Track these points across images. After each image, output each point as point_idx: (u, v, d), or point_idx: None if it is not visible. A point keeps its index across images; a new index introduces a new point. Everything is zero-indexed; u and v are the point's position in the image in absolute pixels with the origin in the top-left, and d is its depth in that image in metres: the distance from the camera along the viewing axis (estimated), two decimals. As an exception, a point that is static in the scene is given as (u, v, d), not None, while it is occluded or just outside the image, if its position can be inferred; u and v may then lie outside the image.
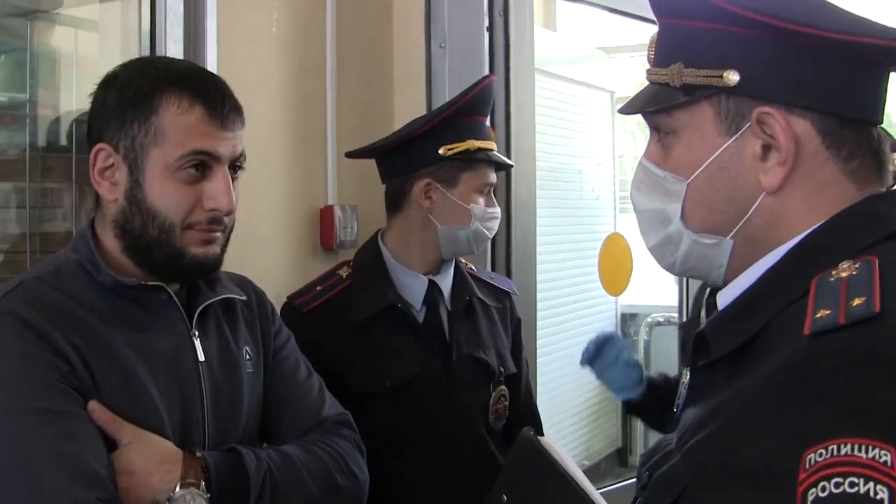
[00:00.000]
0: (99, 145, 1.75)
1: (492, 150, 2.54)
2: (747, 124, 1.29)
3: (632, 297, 4.71)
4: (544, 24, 4.79)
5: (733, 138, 1.30)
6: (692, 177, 1.34)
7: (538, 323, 3.75)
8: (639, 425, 5.24)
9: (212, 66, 2.73)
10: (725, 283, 1.38)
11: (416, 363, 2.48)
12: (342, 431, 2.01)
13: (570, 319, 4.72)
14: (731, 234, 1.33)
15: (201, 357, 1.83)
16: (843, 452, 0.98)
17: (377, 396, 2.41)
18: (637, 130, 6.13)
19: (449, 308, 2.58)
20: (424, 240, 2.55)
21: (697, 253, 1.37)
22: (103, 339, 1.70)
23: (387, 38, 3.51)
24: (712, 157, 1.32)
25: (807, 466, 0.99)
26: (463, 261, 2.72)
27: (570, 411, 4.79)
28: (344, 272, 2.61)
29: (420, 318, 2.53)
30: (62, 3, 2.68)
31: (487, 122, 2.59)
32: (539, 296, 3.79)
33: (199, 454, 1.73)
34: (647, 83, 1.42)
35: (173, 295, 1.81)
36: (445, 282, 2.59)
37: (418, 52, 3.44)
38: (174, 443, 1.73)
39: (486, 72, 3.36)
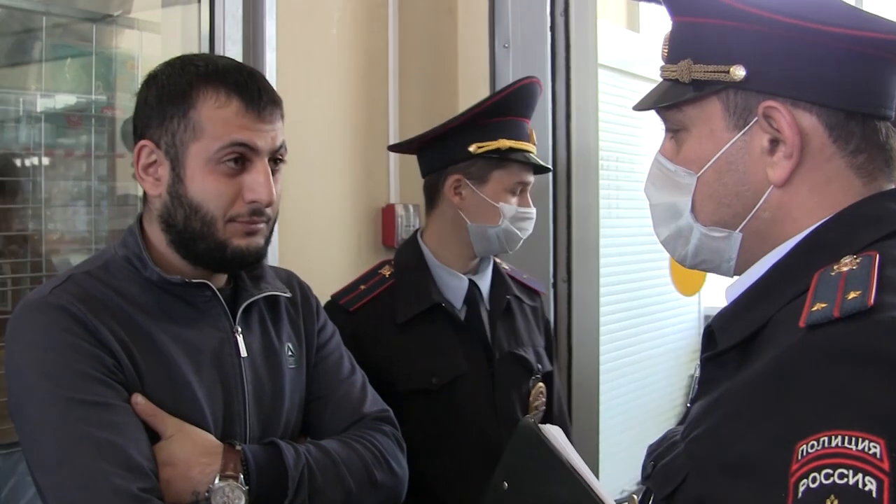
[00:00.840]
0: (142, 142, 1.78)
1: (528, 151, 2.53)
2: (754, 119, 1.30)
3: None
4: (627, 26, 4.76)
5: (741, 132, 1.31)
6: (702, 171, 1.35)
7: (602, 328, 3.71)
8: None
9: (270, 66, 2.79)
10: (736, 276, 1.39)
11: (461, 360, 2.49)
12: (383, 427, 2.02)
13: (644, 323, 4.66)
14: (739, 228, 1.34)
15: (244, 353, 1.85)
16: (833, 444, 0.98)
17: (424, 394, 2.43)
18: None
19: (488, 307, 2.59)
20: (458, 237, 2.56)
21: (707, 246, 1.39)
22: (148, 333, 1.73)
23: (451, 38, 3.53)
24: (721, 152, 1.33)
25: (799, 457, 1.00)
26: (498, 259, 2.73)
27: (650, 418, 4.73)
28: (386, 271, 2.62)
29: (462, 316, 2.55)
30: (131, 8, 2.74)
31: (528, 124, 2.57)
32: (606, 299, 3.77)
33: (238, 447, 1.75)
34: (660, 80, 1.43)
35: (217, 292, 1.84)
36: (484, 281, 2.61)
37: (482, 53, 3.46)
38: (216, 437, 1.76)
39: (549, 71, 3.38)
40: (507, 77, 3.37)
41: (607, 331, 3.90)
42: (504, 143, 2.49)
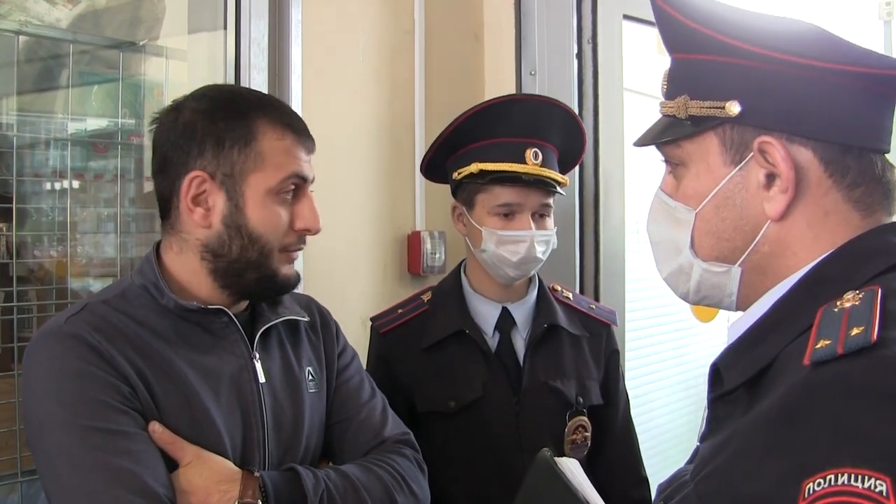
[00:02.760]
0: (194, 173, 1.78)
1: (520, 172, 2.46)
2: (750, 154, 1.32)
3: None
4: (658, 50, 4.78)
5: (738, 167, 1.33)
6: (700, 206, 1.38)
7: (628, 354, 3.69)
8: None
9: (296, 94, 2.80)
10: (738, 311, 1.41)
11: (479, 386, 2.47)
12: (403, 450, 2.02)
13: (669, 349, 4.63)
14: (739, 262, 1.36)
15: (261, 378, 1.86)
16: (840, 482, 0.99)
17: (442, 417, 2.43)
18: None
19: (525, 336, 2.56)
20: (477, 264, 2.57)
21: (708, 281, 1.40)
22: (166, 360, 1.74)
23: (477, 65, 3.54)
24: (719, 187, 1.35)
25: (806, 495, 1.01)
26: (558, 287, 2.71)
27: (676, 444, 4.70)
28: (426, 297, 2.65)
29: (493, 343, 2.53)
30: (159, 35, 2.76)
31: (525, 146, 2.49)
32: (631, 325, 3.75)
33: (257, 473, 1.76)
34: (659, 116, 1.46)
35: (234, 317, 1.84)
36: (520, 309, 2.58)
37: (509, 80, 3.46)
38: (235, 463, 1.76)
39: (576, 98, 3.38)
40: (535, 105, 3.36)
41: (633, 357, 3.89)
42: (476, 167, 2.47)
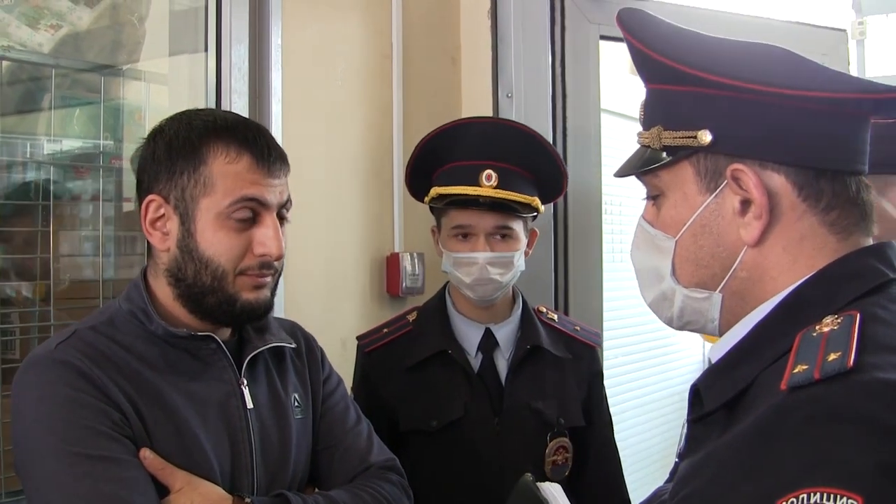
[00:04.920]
0: (150, 197, 1.79)
1: (476, 195, 2.48)
2: (724, 181, 1.34)
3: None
4: (630, 71, 4.81)
5: (713, 195, 1.35)
6: (679, 234, 1.40)
7: (606, 372, 3.71)
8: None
9: (276, 118, 2.82)
10: (721, 336, 1.42)
11: (461, 406, 2.50)
12: (389, 476, 2.03)
13: (647, 367, 4.66)
14: (719, 288, 1.38)
15: (249, 405, 1.86)
16: (812, 501, 1.00)
17: (424, 436, 2.46)
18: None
19: (508, 357, 2.59)
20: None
21: (690, 307, 1.42)
22: (154, 387, 1.74)
23: (455, 88, 3.56)
24: (695, 214, 1.37)
25: None
26: (543, 309, 2.74)
27: (656, 460, 4.72)
28: (412, 317, 2.68)
29: (475, 364, 2.56)
30: (139, 58, 2.77)
31: (482, 168, 2.50)
32: (609, 343, 3.77)
33: (247, 500, 1.76)
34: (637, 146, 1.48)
35: (222, 344, 1.85)
36: (503, 330, 2.61)
37: (486, 102, 3.49)
38: (224, 489, 1.76)
39: (550, 119, 3.44)
40: (511, 126, 3.39)
41: (612, 374, 3.91)
42: (436, 191, 2.54)
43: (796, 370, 1.14)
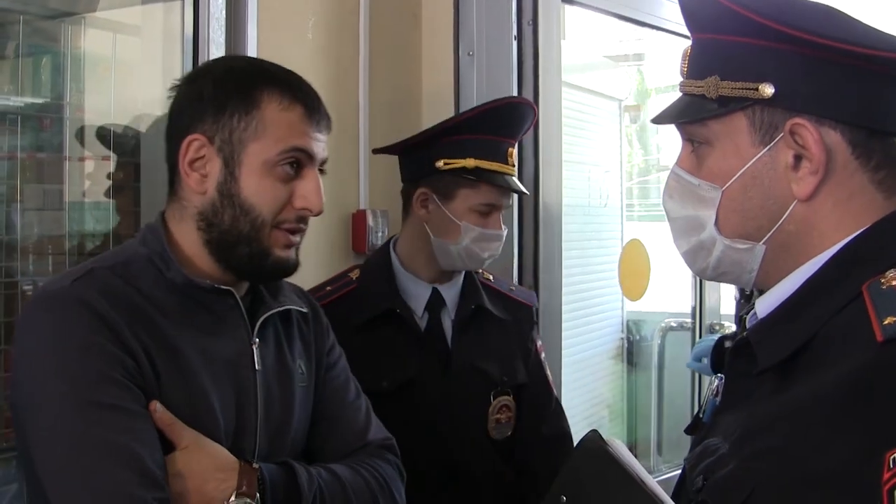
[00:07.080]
0: (192, 136, 1.73)
1: (501, 172, 2.53)
2: (780, 135, 1.34)
3: (637, 304, 4.73)
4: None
5: (767, 148, 1.36)
6: (727, 185, 1.39)
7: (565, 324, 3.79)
8: (645, 430, 5.24)
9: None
10: (756, 287, 1.44)
11: (412, 367, 2.51)
12: (387, 456, 2.01)
13: (578, 326, 4.73)
14: (763, 240, 1.38)
15: (258, 366, 1.82)
16: None
17: (375, 396, 2.41)
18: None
19: (453, 317, 2.61)
20: (424, 249, 2.60)
21: (729, 258, 1.42)
22: (169, 338, 1.68)
23: (415, 44, 3.52)
24: (746, 166, 1.37)
25: (890, 466, 1.04)
26: (479, 269, 2.74)
27: (580, 415, 4.82)
28: (354, 274, 2.66)
29: (422, 324, 2.58)
30: (96, 7, 2.68)
31: (507, 144, 2.56)
32: (568, 297, 3.83)
33: (256, 465, 1.73)
34: (679, 94, 1.47)
35: (240, 300, 1.81)
36: (450, 291, 2.63)
37: (446, 60, 3.45)
38: (226, 449, 1.72)
39: (515, 81, 3.41)
40: (472, 85, 3.38)
41: (570, 326, 4.02)
42: (471, 162, 2.50)
43: (886, 322, 1.15)
